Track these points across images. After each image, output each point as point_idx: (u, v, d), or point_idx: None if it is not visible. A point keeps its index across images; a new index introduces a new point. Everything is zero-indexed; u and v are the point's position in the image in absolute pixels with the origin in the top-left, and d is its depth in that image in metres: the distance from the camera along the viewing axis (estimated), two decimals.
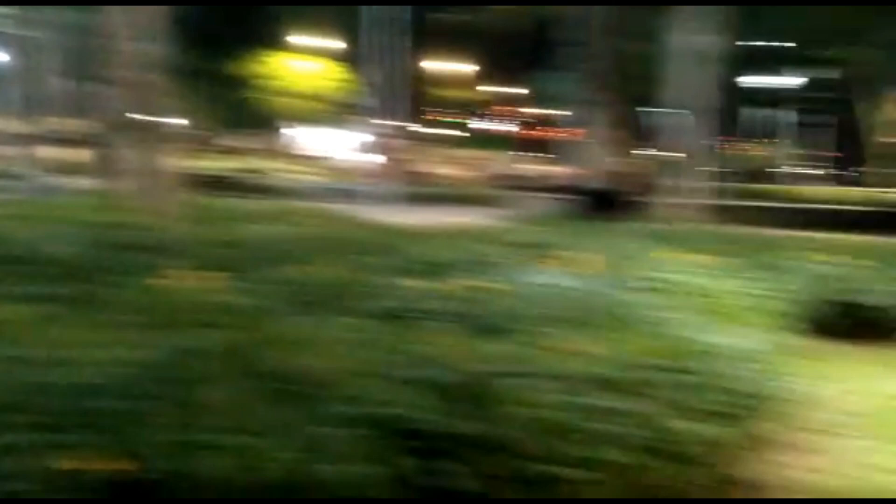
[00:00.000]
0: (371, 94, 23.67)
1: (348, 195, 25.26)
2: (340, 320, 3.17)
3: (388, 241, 5.54)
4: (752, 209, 22.06)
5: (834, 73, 28.61)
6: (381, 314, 3.49)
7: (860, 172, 38.10)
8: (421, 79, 47.32)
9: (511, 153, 60.27)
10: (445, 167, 57.79)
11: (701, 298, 4.58)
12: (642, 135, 13.80)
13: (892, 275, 6.09)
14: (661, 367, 3.16)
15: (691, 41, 10.87)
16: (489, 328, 3.20)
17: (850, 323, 5.97)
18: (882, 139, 36.03)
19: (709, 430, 3.14)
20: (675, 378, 3.16)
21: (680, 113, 11.03)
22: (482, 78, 58.14)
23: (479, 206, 24.90)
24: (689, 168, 11.29)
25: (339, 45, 35.68)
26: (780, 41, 20.56)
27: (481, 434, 2.31)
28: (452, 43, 35.61)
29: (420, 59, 44.40)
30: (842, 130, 40.23)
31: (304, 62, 36.70)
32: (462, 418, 2.27)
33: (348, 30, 31.62)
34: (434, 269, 4.58)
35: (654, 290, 4.55)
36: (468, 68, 50.97)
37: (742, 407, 3.44)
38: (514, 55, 36.83)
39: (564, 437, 2.66)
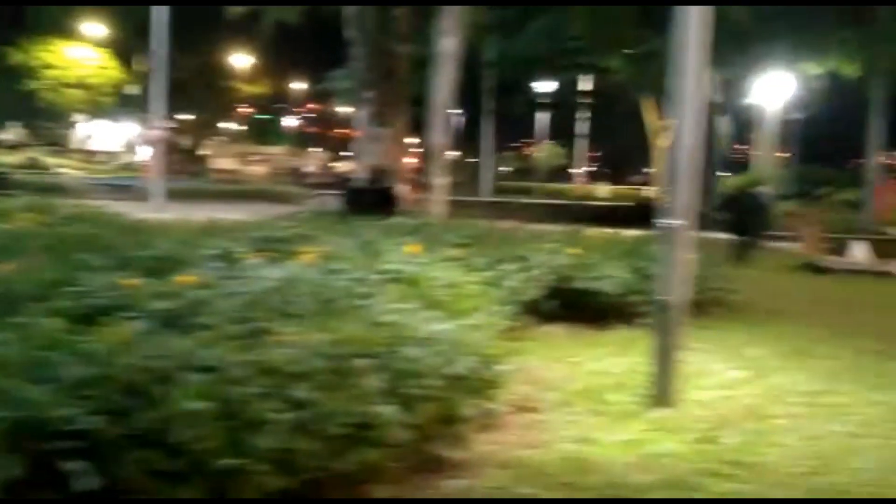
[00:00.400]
0: (150, 86, 22.40)
1: (123, 190, 23.90)
2: (16, 320, 2.96)
3: (114, 239, 5.26)
4: (525, 206, 23.49)
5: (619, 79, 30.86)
6: (76, 312, 3.29)
7: (646, 172, 41.55)
8: (213, 72, 45.53)
9: (314, 150, 59.65)
10: (239, 163, 56.03)
11: (439, 289, 4.75)
12: (417, 133, 14.10)
13: (613, 264, 6.67)
14: (370, 355, 3.24)
15: (442, 43, 11.40)
16: (185, 324, 3.13)
17: (578, 307, 6.49)
18: (662, 142, 39.61)
19: (415, 413, 3.27)
20: (385, 364, 3.24)
21: (439, 112, 11.49)
22: (278, 73, 57.00)
23: (269, 202, 24.53)
24: (443, 165, 11.77)
25: (119, 34, 33.72)
26: (548, 47, 21.96)
27: (142, 430, 2.25)
28: (246, 36, 34.55)
29: (211, 52, 42.68)
30: (628, 133, 43.86)
31: (84, 51, 34.28)
32: (117, 415, 2.19)
33: (130, 17, 29.91)
34: (159, 267, 4.41)
35: (392, 281, 4.67)
36: (262, 63, 49.76)
37: (455, 389, 3.62)
38: (307, 50, 36.52)
39: (252, 429, 2.65)
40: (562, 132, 44.25)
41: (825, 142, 39.40)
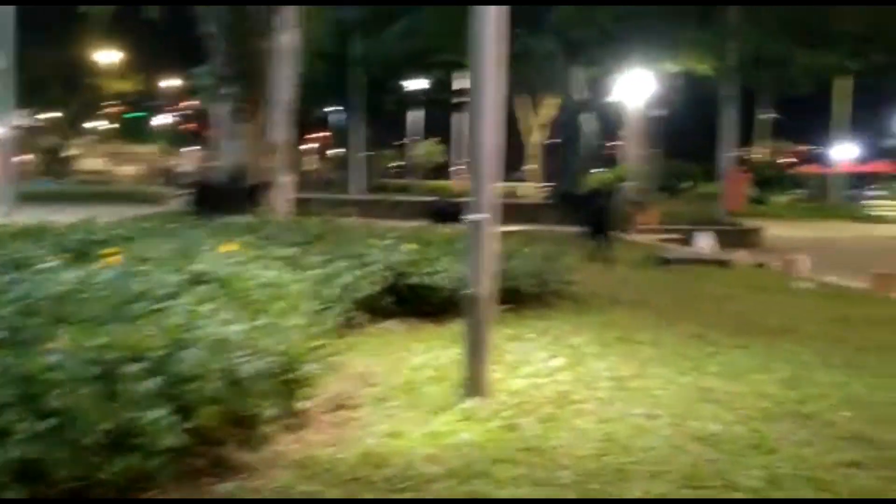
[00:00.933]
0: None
1: None
2: None
3: None
4: (398, 203, 23.53)
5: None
6: None
7: (522, 170, 42.45)
8: (75, 69, 43.26)
9: (190, 149, 57.74)
10: (109, 163, 53.55)
11: (256, 289, 4.67)
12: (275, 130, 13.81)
13: (452, 258, 6.76)
14: (143, 359, 3.14)
15: (281, 38, 11.30)
16: None
17: (417, 303, 6.55)
18: (537, 139, 40.67)
19: (195, 417, 3.20)
20: (159, 368, 3.15)
21: (279, 108, 11.37)
22: (149, 69, 54.84)
23: (137, 203, 23.56)
24: (287, 162, 11.66)
25: None
26: (411, 46, 22.10)
27: None
28: (113, 32, 33.02)
29: (73, 48, 40.55)
30: (506, 130, 44.61)
31: None
32: None
33: None
34: None
35: (200, 282, 4.55)
36: (131, 58, 47.83)
37: (246, 391, 3.56)
38: (178, 46, 35.31)
39: None
40: (442, 130, 44.78)
41: (687, 137, 41.43)
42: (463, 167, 48.50)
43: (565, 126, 27.05)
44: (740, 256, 12.97)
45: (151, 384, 3.03)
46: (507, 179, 46.92)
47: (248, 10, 12.24)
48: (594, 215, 11.85)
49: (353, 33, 22.27)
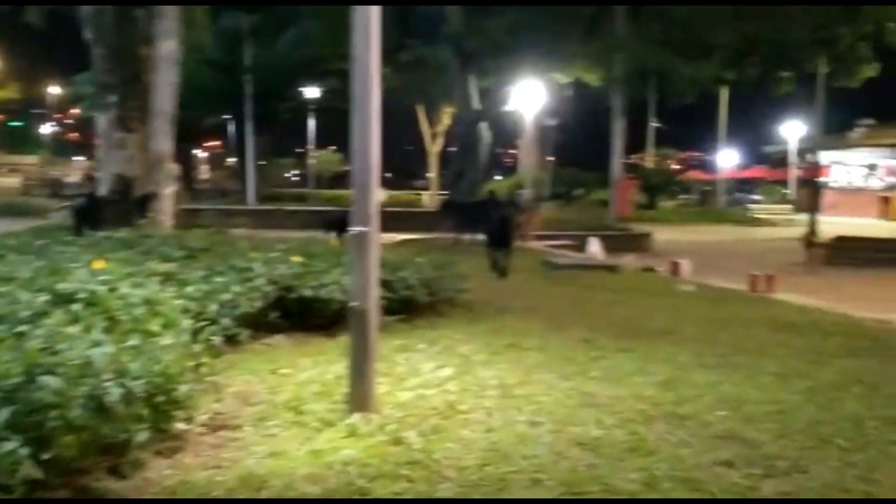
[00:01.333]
0: None
1: None
2: None
3: None
4: (292, 213, 23.19)
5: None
6: None
7: (425, 177, 42.51)
8: None
9: (77, 159, 55.25)
10: None
11: (127, 308, 4.46)
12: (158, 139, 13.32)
13: (342, 270, 6.68)
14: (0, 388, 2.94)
15: (161, 45, 11.00)
16: None
17: (307, 316, 6.44)
18: (439, 147, 40.85)
19: (53, 446, 3.02)
20: (11, 397, 2.96)
21: (160, 117, 11.04)
22: (31, 76, 52.21)
23: (17, 216, 22.24)
24: (168, 173, 11.33)
25: None
26: (302, 54, 21.86)
27: None
28: None
29: None
30: (408, 139, 44.71)
31: None
32: None
33: None
34: None
35: (66, 302, 4.31)
36: (10, 65, 45.41)
37: (111, 416, 3.39)
38: (62, 52, 33.75)
39: None
40: (342, 138, 44.37)
41: (581, 146, 42.63)
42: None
43: (461, 135, 27.32)
44: (628, 261, 13.39)
45: (4, 414, 2.84)
46: (411, 188, 47.18)
47: (128, 16, 11.80)
48: (493, 225, 11.98)
49: (243, 41, 21.80)
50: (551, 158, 43.34)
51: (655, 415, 4.62)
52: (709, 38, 20.88)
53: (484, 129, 27.46)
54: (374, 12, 4.39)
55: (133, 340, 3.89)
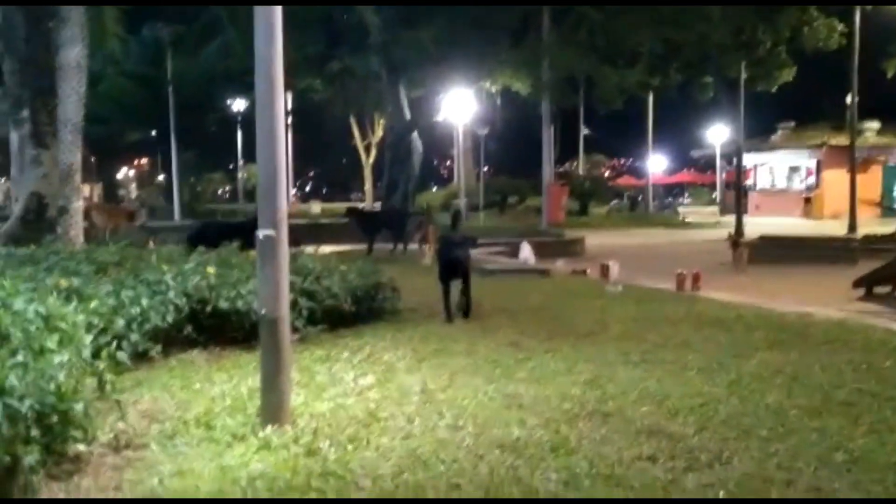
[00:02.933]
0: None
1: None
2: None
3: None
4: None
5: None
6: None
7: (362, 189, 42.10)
8: None
9: None
10: None
11: (27, 324, 4.18)
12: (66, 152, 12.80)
13: (255, 281, 6.46)
14: None
15: (65, 54, 10.62)
16: None
17: (222, 329, 6.19)
18: (373, 159, 40.63)
19: None
20: None
21: (66, 128, 10.63)
22: None
23: None
24: (75, 187, 10.92)
25: None
26: (226, 65, 21.44)
27: None
28: None
29: None
30: (343, 151, 44.38)
31: None
32: None
33: None
34: None
35: None
36: None
37: (13, 434, 3.17)
38: None
39: None
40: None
41: (515, 154, 42.99)
42: (295, 189, 47.89)
43: (393, 145, 27.18)
44: (559, 265, 13.42)
45: None
46: (349, 200, 46.74)
47: (38, 25, 11.33)
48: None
49: (163, 53, 21.27)
50: (485, 167, 43.63)
51: (579, 413, 4.55)
52: (632, 44, 21.25)
53: (416, 140, 27.39)
54: (277, 11, 4.23)
55: (20, 357, 3.62)
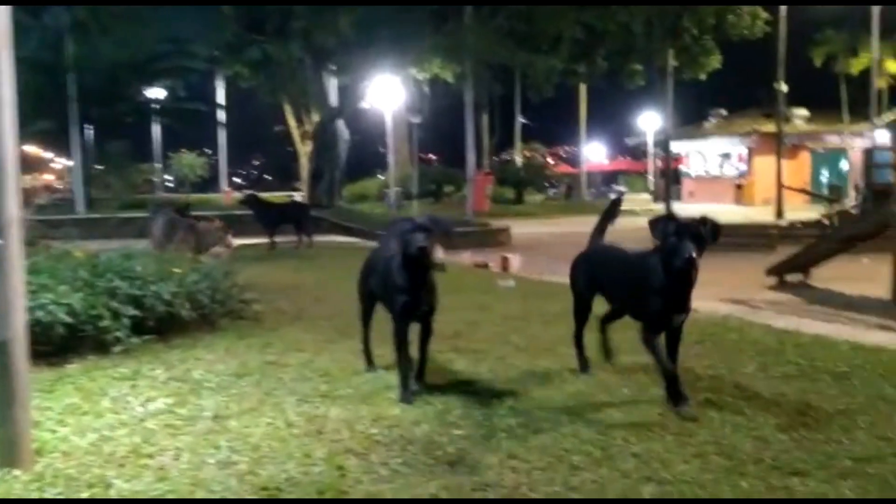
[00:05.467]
0: None
1: None
2: None
3: None
4: (126, 221, 21.69)
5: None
6: None
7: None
8: None
9: None
10: None
11: None
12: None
13: (71, 286, 5.81)
14: None
15: None
16: None
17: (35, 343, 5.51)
18: (309, 147, 39.45)
19: None
20: None
21: None
22: None
23: None
24: None
25: None
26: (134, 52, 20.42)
27: None
28: None
29: None
30: (283, 140, 43.23)
31: None
32: None
33: None
34: None
35: None
36: None
37: None
38: None
39: None
40: (210, 142, 42.73)
41: (451, 143, 42.43)
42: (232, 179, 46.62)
43: (319, 133, 26.45)
44: (465, 258, 12.93)
45: None
46: (293, 189, 45.59)
47: None
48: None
49: (66, 40, 20.17)
50: (434, 156, 43.12)
51: (383, 440, 4.02)
52: (552, 30, 20.84)
53: (342, 127, 26.66)
54: None
55: None
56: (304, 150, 42.32)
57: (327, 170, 26.36)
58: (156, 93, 26.71)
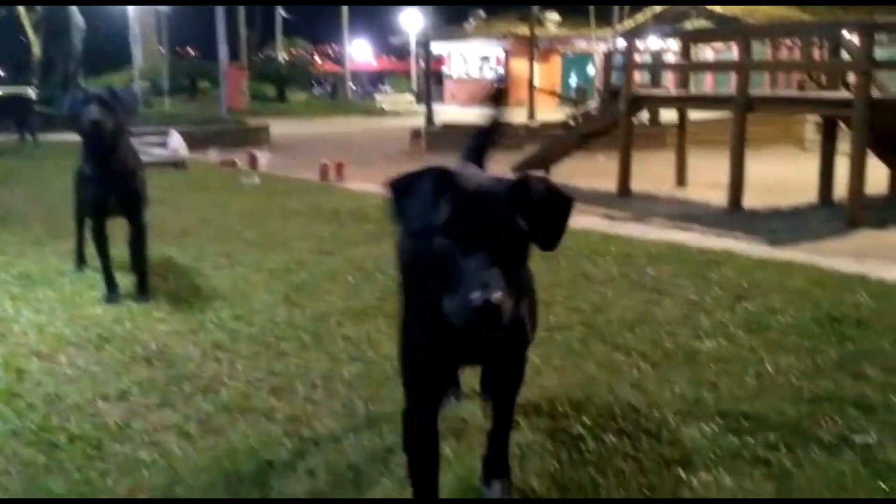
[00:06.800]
0: None
1: None
2: None
3: None
4: None
5: None
6: None
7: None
8: None
9: None
10: None
11: None
12: None
13: None
14: None
15: None
16: None
17: None
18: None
19: None
20: None
21: None
22: None
23: None
24: None
25: None
26: None
27: None
28: None
29: None
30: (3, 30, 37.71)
31: None
32: None
33: None
34: None
35: None
36: None
37: None
38: None
39: None
40: None
41: (207, 35, 39.66)
42: None
43: (46, 19, 23.56)
44: (212, 156, 12.27)
45: None
46: (29, 83, 40.36)
47: None
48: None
49: None
50: (193, 50, 39.83)
51: (76, 341, 3.71)
52: None
53: (75, 13, 23.88)
54: None
55: None
56: (38, 39, 37.68)
57: (60, 61, 23.68)
58: None
